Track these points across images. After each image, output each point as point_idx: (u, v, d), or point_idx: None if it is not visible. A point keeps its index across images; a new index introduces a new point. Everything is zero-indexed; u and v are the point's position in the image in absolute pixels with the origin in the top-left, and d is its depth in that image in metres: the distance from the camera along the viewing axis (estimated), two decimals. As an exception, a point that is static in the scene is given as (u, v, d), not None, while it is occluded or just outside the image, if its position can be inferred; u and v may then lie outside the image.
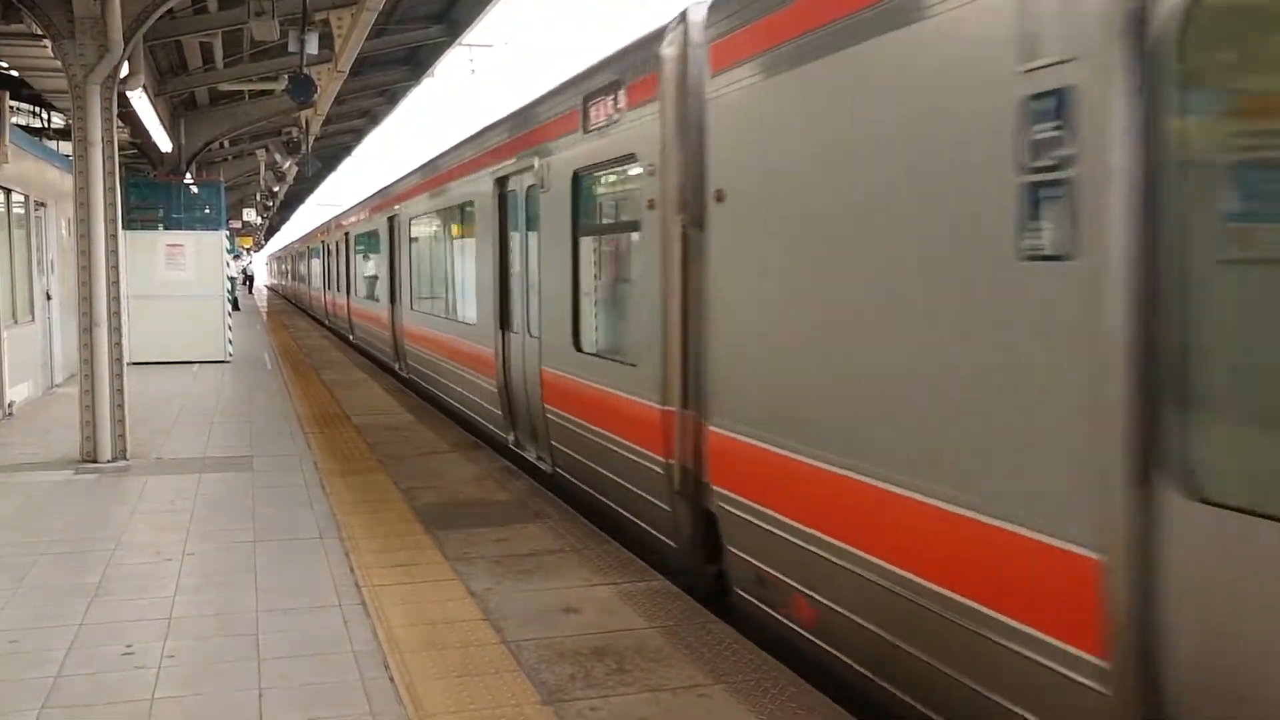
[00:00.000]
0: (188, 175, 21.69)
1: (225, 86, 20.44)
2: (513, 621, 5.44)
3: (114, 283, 9.91)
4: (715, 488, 5.89)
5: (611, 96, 7.17)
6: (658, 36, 6.43)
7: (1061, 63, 3.37)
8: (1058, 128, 3.39)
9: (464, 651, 5.04)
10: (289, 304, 53.20)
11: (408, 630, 5.33)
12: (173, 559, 6.68)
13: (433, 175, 14.37)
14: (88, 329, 9.81)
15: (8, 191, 13.60)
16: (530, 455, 9.63)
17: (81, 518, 7.82)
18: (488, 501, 8.20)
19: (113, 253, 9.86)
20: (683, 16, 6.13)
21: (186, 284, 19.22)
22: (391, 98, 26.32)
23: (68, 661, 4.99)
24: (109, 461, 9.87)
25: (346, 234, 25.17)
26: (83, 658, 5.04)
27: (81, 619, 5.58)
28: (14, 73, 15.87)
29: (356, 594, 5.93)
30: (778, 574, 5.27)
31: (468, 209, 11.90)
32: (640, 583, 6.07)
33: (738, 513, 5.64)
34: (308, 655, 5.03)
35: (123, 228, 10.20)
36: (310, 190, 55.63)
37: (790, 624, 5.19)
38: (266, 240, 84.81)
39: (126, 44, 9.79)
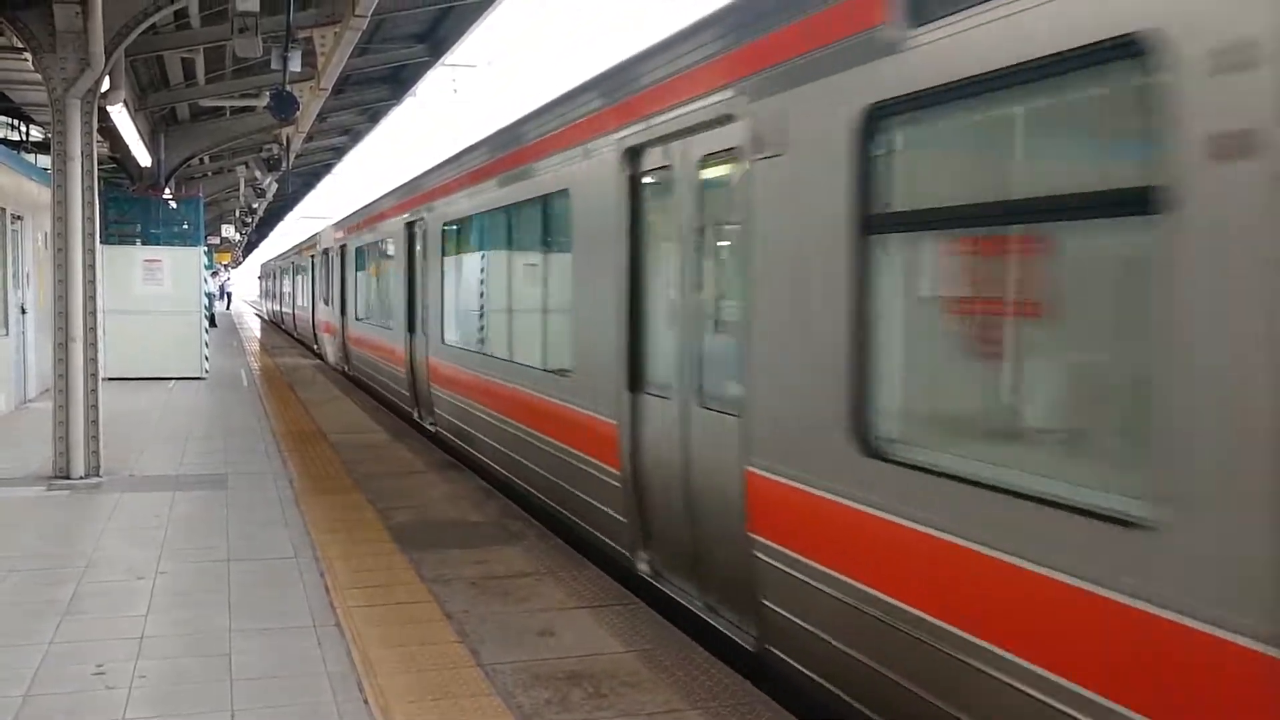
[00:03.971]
0: (167, 190, 21.60)
1: (206, 102, 20.42)
2: (489, 644, 5.42)
3: (91, 297, 9.84)
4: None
5: (344, 230, 21.73)
6: (338, 224, 23.37)
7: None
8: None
9: (439, 674, 5.02)
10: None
11: (383, 652, 5.30)
12: (145, 577, 6.62)
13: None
14: (63, 343, 9.74)
15: (-16, 204, 13.52)
16: None
17: (53, 534, 7.74)
18: (464, 522, 8.17)
19: (90, 267, 9.80)
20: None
21: (164, 299, 19.14)
22: (374, 116, 26.34)
23: (37, 680, 4.93)
24: (82, 478, 9.78)
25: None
26: (53, 677, 4.98)
27: (52, 637, 5.52)
28: (-7, 85, 15.80)
29: (331, 615, 5.89)
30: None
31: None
32: (617, 606, 6.06)
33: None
34: (281, 676, 4.99)
35: (100, 242, 10.14)
36: (290, 207, 55.44)
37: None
38: (245, 257, 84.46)
39: (108, 58, 9.76)
